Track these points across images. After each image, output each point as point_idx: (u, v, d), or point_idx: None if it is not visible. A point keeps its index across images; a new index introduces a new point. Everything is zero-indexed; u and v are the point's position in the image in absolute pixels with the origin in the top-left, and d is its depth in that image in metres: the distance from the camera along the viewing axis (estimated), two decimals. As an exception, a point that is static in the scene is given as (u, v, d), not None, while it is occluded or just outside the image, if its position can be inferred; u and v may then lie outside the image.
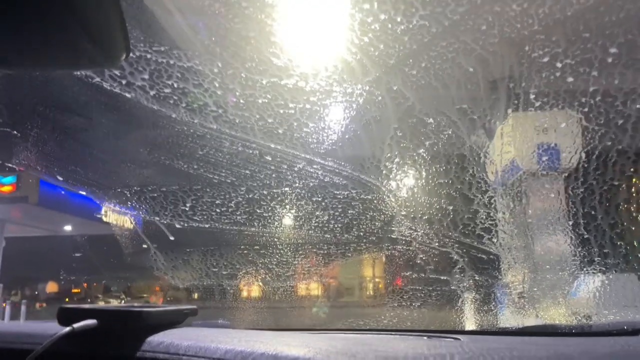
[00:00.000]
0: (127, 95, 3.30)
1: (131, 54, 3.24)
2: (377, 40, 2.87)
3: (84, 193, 4.17)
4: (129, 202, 4.21)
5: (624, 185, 3.40)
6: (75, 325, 1.61)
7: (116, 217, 4.73)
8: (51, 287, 19.48)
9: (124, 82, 3.18)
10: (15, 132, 3.80)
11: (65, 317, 1.72)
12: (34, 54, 0.94)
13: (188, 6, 3.04)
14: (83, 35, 0.85)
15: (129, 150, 3.73)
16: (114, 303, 17.80)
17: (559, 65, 2.78)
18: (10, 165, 4.04)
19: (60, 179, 3.93)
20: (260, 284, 4.63)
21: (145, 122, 3.56)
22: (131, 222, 4.70)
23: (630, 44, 2.52)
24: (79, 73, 3.20)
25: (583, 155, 3.27)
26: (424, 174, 3.73)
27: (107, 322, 1.70)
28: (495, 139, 3.58)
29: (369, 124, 3.49)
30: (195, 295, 4.67)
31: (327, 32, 2.94)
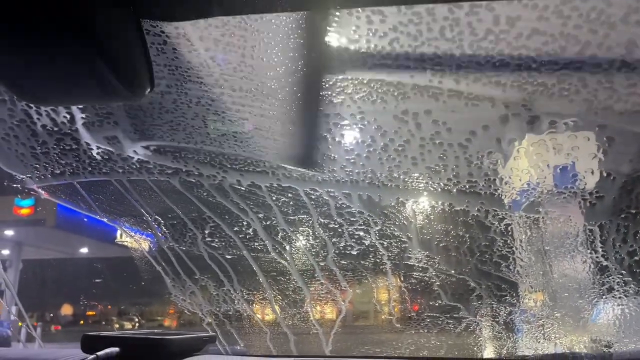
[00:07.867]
0: (149, 126, 3.41)
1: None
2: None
3: (104, 220, 4.24)
4: (149, 229, 4.29)
5: (642, 213, 3.39)
6: (99, 354, 1.67)
7: (134, 242, 4.80)
8: (66, 309, 19.61)
9: (148, 116, 3.29)
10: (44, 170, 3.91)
11: (89, 344, 1.79)
12: (61, 89, 1.00)
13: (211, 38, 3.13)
14: (107, 69, 0.91)
15: (150, 179, 3.83)
16: (129, 326, 17.89)
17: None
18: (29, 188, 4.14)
19: (83, 206, 4.03)
20: (277, 309, 4.65)
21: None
22: (149, 248, 4.76)
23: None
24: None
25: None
26: (440, 201, 3.76)
27: (129, 349, 1.76)
28: (510, 164, 3.61)
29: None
30: (212, 321, 4.70)
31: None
